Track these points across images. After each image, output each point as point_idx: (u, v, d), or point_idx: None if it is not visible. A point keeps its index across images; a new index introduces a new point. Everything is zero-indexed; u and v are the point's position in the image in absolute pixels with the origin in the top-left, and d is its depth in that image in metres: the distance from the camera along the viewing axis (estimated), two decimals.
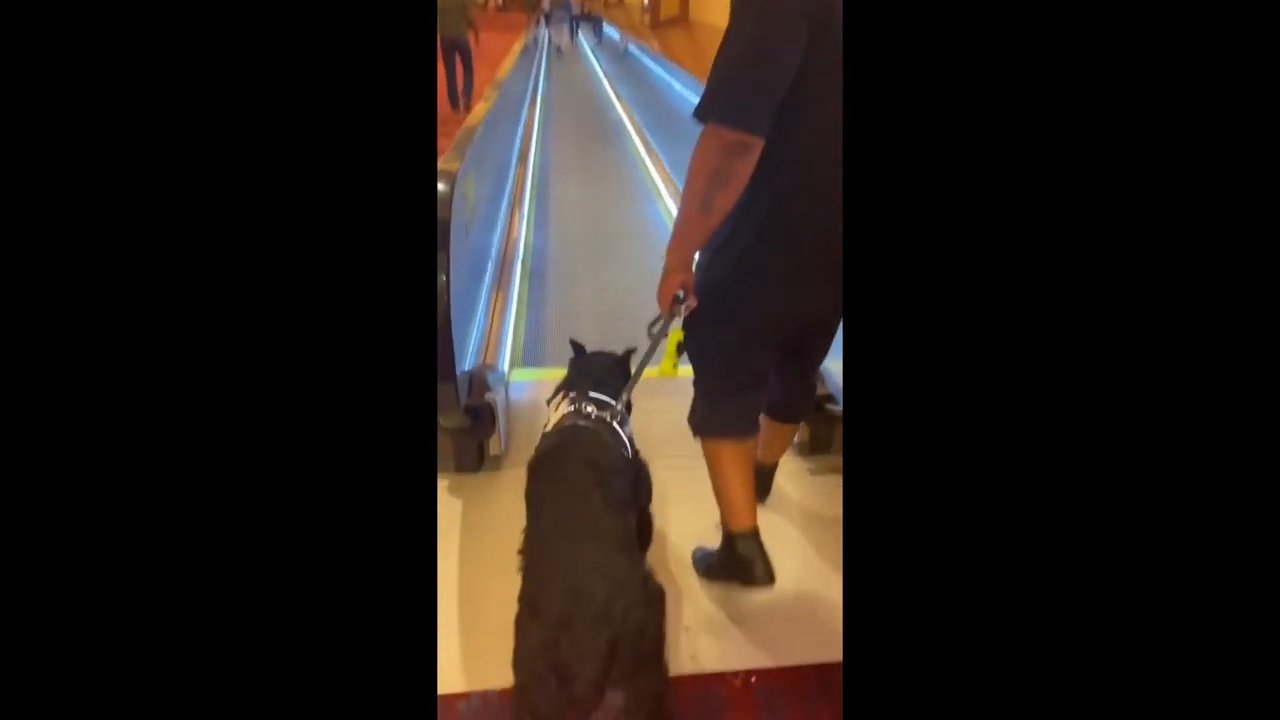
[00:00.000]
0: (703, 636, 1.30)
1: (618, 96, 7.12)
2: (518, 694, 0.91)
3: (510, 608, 0.99)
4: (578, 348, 1.41)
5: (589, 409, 1.18)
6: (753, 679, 1.23)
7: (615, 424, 1.19)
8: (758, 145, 0.99)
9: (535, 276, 3.09)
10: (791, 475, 1.76)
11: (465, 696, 1.19)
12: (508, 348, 2.30)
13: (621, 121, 6.45)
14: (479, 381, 1.77)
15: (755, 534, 1.24)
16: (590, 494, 1.01)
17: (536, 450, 1.16)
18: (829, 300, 1.14)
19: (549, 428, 1.20)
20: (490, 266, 2.82)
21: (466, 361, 2.02)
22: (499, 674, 1.20)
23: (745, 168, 1.01)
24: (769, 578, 1.22)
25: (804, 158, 1.04)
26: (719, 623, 1.33)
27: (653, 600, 0.93)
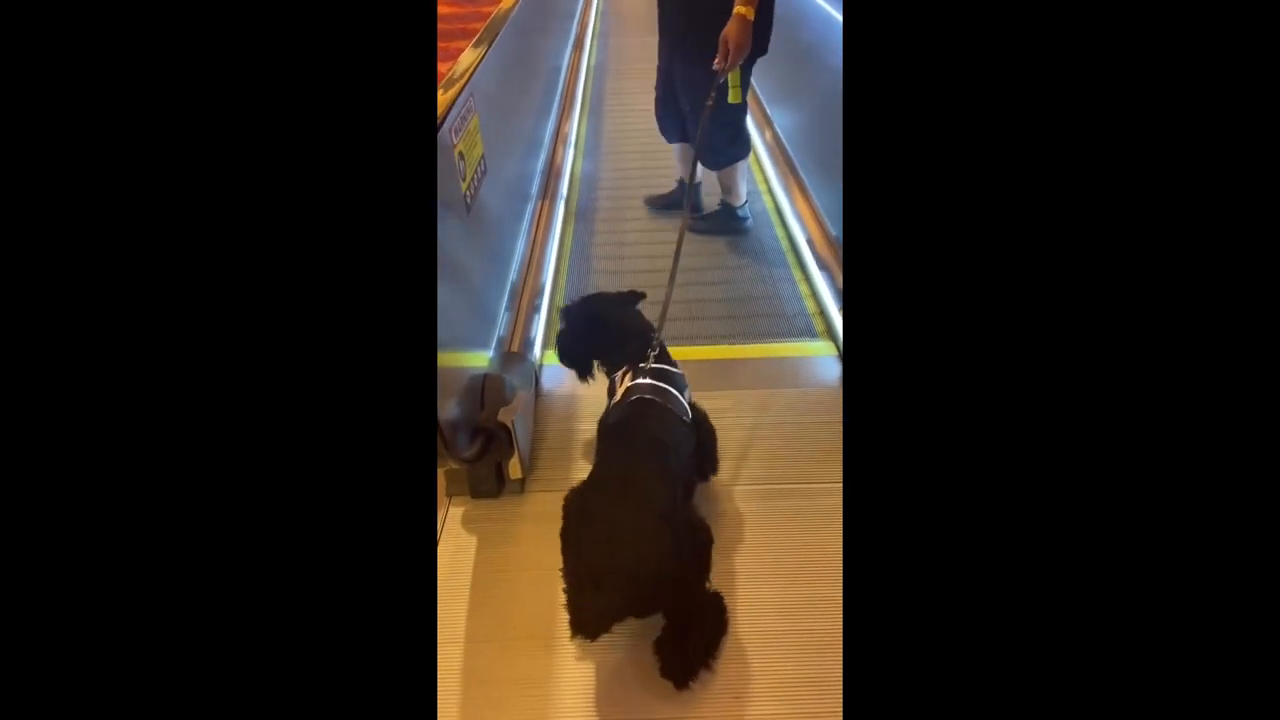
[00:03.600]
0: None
1: None
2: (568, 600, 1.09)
3: (529, 688, 1.12)
4: (567, 314, 1.44)
5: (647, 381, 1.29)
6: None
7: (677, 391, 1.31)
8: None
9: (581, 217, 2.65)
10: None
11: None
12: (542, 322, 1.93)
13: None
14: (494, 393, 1.43)
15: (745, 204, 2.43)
16: (646, 462, 1.13)
17: (607, 418, 1.29)
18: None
19: (617, 399, 1.30)
20: (529, 208, 2.40)
21: (490, 345, 1.69)
22: None
23: None
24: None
25: None
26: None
27: (686, 556, 1.06)
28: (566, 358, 1.45)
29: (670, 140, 2.32)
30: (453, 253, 1.33)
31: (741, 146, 2.22)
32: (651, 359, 1.32)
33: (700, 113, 1.71)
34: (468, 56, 1.46)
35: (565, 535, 1.09)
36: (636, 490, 1.09)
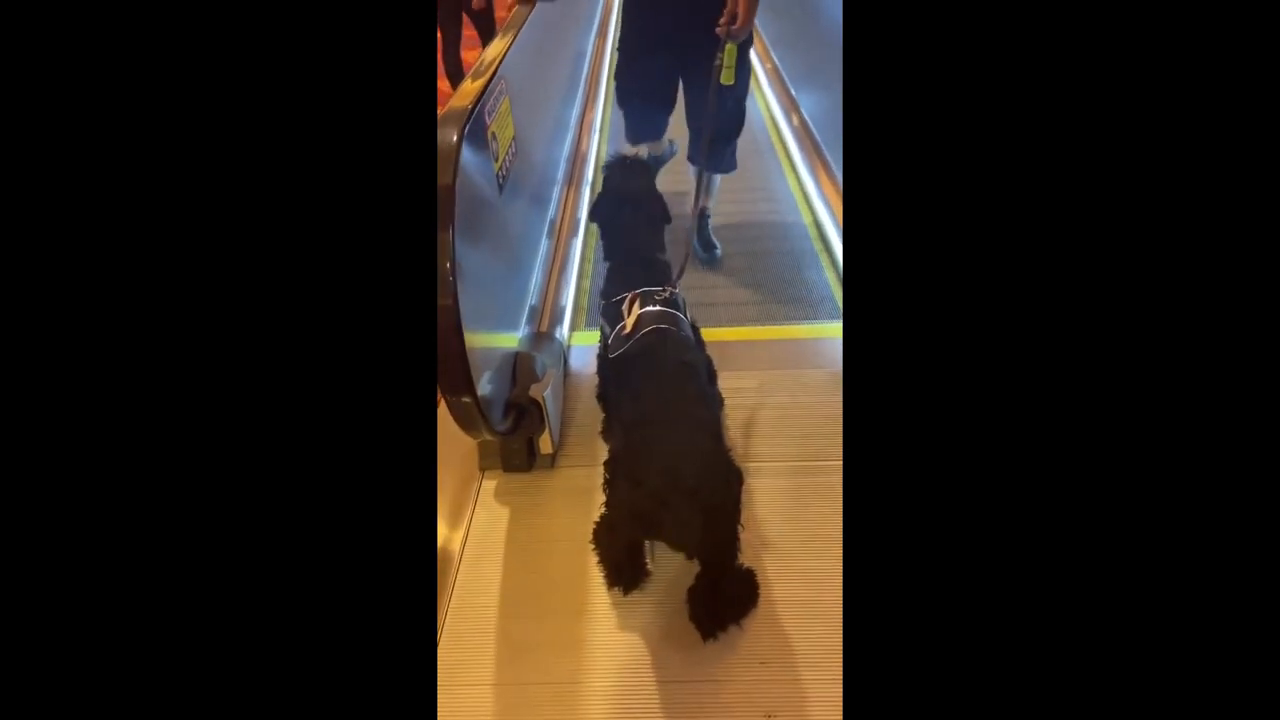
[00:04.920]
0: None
1: None
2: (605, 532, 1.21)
3: (564, 652, 1.17)
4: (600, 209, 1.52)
5: (658, 309, 1.32)
6: None
7: (680, 313, 1.36)
8: None
9: None
10: None
11: None
12: (569, 303, 1.97)
13: None
14: (525, 370, 1.47)
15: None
16: (685, 388, 1.17)
17: (625, 351, 1.29)
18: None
19: (628, 330, 1.31)
20: (555, 191, 2.43)
21: (520, 326, 1.73)
22: None
23: None
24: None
25: None
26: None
27: (732, 480, 1.09)
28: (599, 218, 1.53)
29: (643, 138, 2.10)
30: (487, 232, 1.36)
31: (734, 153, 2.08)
32: (667, 293, 1.34)
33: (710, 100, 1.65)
34: (498, 43, 1.49)
35: (615, 475, 1.10)
36: (683, 414, 1.11)
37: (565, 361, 1.77)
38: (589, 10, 4.23)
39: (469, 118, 1.11)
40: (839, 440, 1.53)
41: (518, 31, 1.54)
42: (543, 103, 2.28)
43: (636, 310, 1.30)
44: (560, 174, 2.54)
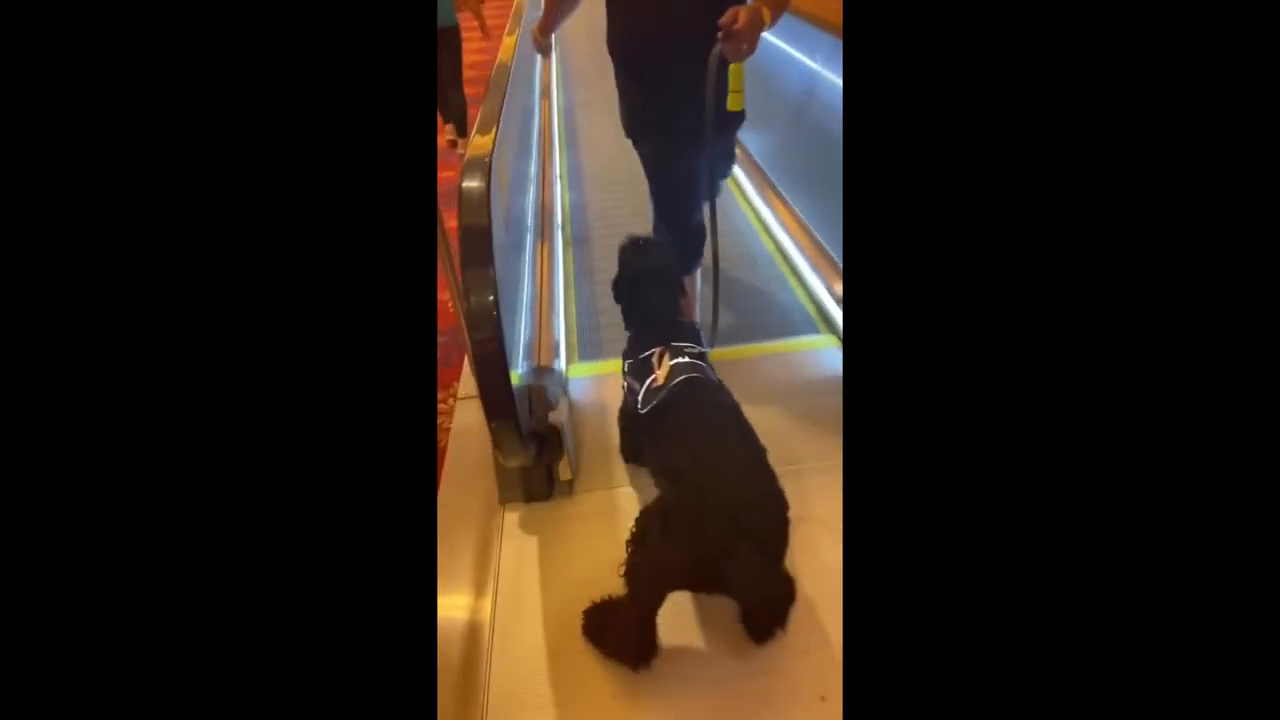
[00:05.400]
0: None
1: None
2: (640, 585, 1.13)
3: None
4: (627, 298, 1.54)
5: (687, 360, 1.36)
6: None
7: (706, 363, 1.41)
8: None
9: (578, 244, 2.79)
10: None
11: None
12: (561, 339, 2.04)
13: None
14: (540, 400, 1.53)
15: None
16: (730, 430, 1.22)
17: (661, 400, 1.31)
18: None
19: (659, 383, 1.34)
20: (529, 239, 2.53)
21: (518, 364, 1.78)
22: None
23: None
24: None
25: None
26: None
27: (784, 513, 1.12)
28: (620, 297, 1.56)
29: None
30: (501, 269, 1.44)
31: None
32: (696, 350, 1.39)
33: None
34: (493, 97, 1.60)
35: (659, 527, 1.10)
36: (734, 456, 1.15)
37: (567, 395, 1.83)
38: (528, 70, 4.45)
39: (491, 164, 1.20)
40: (833, 440, 1.64)
41: (506, 89, 1.66)
42: (516, 154, 2.40)
43: (667, 363, 1.34)
44: (531, 220, 2.65)
